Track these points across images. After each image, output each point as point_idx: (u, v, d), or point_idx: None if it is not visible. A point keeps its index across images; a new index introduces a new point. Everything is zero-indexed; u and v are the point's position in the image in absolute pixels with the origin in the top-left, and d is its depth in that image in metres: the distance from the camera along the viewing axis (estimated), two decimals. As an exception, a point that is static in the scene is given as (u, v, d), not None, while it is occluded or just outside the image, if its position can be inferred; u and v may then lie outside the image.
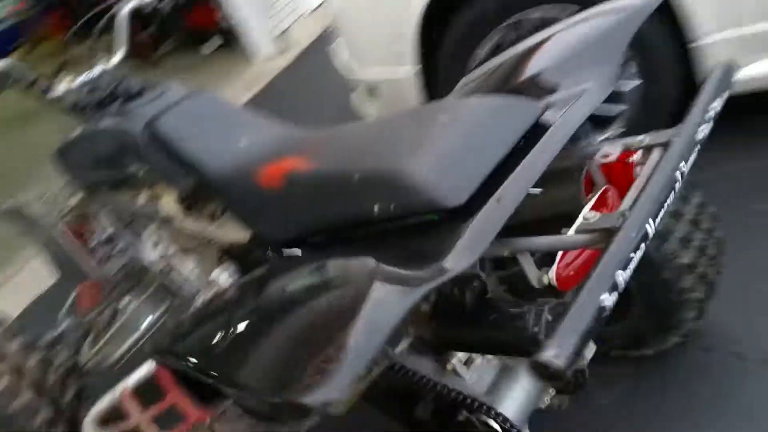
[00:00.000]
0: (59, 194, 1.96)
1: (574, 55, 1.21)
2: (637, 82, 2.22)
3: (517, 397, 1.28)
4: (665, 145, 0.98)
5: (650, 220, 0.83)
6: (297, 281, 1.00)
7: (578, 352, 0.69)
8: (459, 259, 0.85)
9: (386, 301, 0.79)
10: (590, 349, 1.32)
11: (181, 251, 1.84)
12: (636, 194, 0.89)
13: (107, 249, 1.98)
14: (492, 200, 0.93)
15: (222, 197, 1.42)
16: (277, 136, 1.47)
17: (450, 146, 1.03)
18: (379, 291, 0.81)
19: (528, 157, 1.00)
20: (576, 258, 1.03)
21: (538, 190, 1.09)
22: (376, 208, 1.03)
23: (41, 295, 3.01)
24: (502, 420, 1.21)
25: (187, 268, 1.85)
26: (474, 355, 1.28)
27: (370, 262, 0.89)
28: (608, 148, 1.09)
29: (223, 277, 1.55)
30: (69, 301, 2.13)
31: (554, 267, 0.99)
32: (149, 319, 2.02)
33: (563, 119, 1.07)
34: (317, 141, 1.38)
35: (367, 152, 1.13)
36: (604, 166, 1.14)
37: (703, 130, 0.98)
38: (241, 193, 1.35)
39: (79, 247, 1.97)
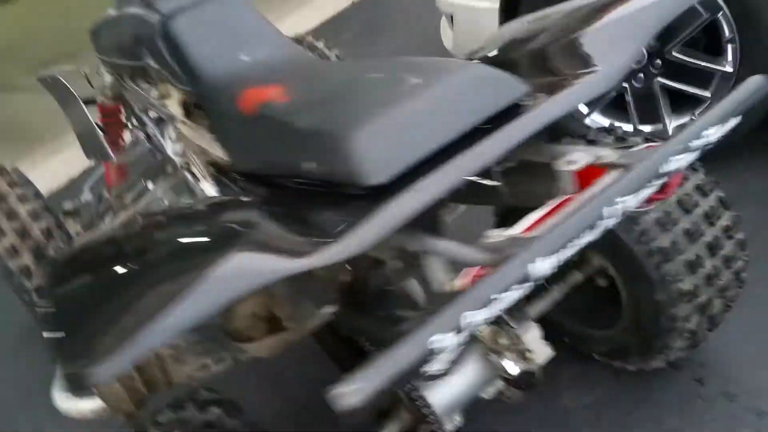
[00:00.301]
0: (94, 72, 1.99)
1: (606, 28, 1.07)
2: (729, 69, 1.93)
3: (453, 383, 1.21)
4: (628, 169, 0.83)
5: (546, 259, 0.71)
6: (176, 229, 0.95)
7: (385, 391, 0.61)
8: (346, 245, 0.78)
9: (231, 277, 0.72)
10: (545, 354, 1.21)
11: (194, 153, 1.84)
12: (553, 224, 0.76)
13: (135, 134, 2.01)
14: (411, 188, 0.83)
15: (207, 111, 1.38)
16: (281, 58, 1.41)
17: (399, 117, 0.93)
18: (231, 263, 0.74)
19: (474, 147, 0.88)
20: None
21: (494, 183, 0.98)
22: (308, 165, 0.97)
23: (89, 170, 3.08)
24: (423, 403, 1.16)
25: (201, 169, 1.87)
26: None
27: (256, 223, 0.83)
28: (576, 155, 0.94)
29: (208, 190, 1.54)
30: (95, 177, 2.22)
31: (463, 275, 0.89)
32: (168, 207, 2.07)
33: (539, 111, 0.93)
34: (306, 74, 1.31)
35: (326, 102, 1.06)
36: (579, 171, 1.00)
37: (680, 160, 0.82)
38: (222, 111, 1.31)
39: (109, 128, 2.02)
